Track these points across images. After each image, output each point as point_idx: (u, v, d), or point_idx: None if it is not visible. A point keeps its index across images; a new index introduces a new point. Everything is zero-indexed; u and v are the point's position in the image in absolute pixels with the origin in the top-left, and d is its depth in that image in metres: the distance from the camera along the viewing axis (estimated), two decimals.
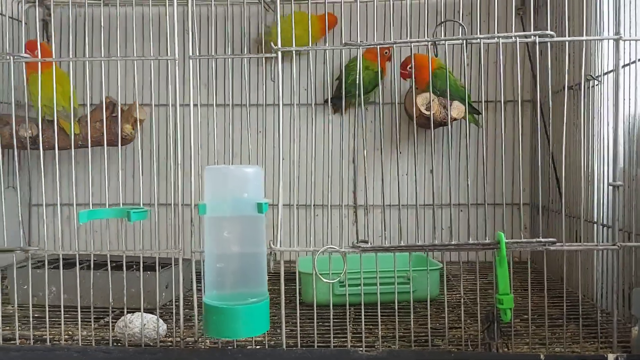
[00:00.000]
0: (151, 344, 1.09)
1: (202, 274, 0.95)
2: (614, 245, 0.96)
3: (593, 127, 1.27)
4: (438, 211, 1.79)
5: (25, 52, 1.61)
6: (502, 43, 0.97)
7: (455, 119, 1.57)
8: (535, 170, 1.72)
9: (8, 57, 1.13)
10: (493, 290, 1.10)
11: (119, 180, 1.06)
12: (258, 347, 1.05)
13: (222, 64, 1.61)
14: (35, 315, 1.14)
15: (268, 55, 0.99)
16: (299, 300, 1.19)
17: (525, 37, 0.97)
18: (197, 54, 1.03)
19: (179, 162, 1.02)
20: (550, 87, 1.01)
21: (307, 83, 1.83)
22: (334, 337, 1.04)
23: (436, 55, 0.99)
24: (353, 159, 1.90)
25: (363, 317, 1.01)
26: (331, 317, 1.02)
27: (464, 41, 0.97)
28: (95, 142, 1.65)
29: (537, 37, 0.96)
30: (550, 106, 1.08)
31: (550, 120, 1.16)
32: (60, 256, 1.03)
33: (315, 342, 1.03)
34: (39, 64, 1.20)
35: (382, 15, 1.68)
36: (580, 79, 1.06)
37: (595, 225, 1.30)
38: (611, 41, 1.15)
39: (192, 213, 1.01)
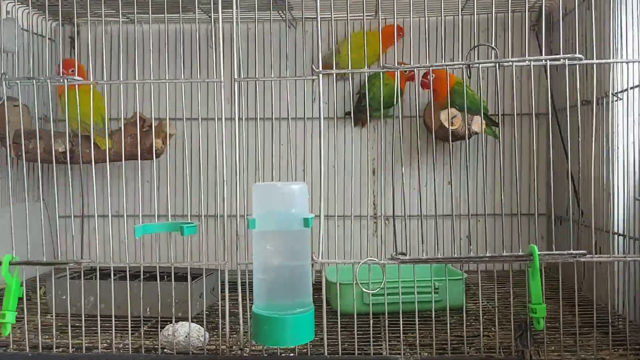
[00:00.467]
0: (194, 351, 1.14)
1: (239, 284, 1.00)
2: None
3: (613, 141, 1.33)
4: (456, 222, 1.85)
5: (62, 71, 1.69)
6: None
7: (476, 133, 1.63)
8: (549, 182, 1.77)
9: (43, 80, 1.17)
10: (511, 300, 1.15)
11: (152, 193, 1.11)
12: (300, 354, 1.09)
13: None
14: (76, 324, 1.18)
15: (311, 77, 1.05)
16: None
17: (556, 60, 1.02)
18: (243, 76, 1.08)
19: (225, 178, 1.07)
20: (568, 101, 1.07)
21: (328, 97, 1.88)
22: (367, 345, 1.09)
23: (469, 77, 1.05)
24: (374, 171, 1.98)
25: (401, 325, 1.06)
26: (371, 325, 1.07)
27: (497, 64, 1.03)
28: (127, 156, 1.71)
29: (566, 59, 1.01)
30: (576, 119, 1.13)
31: (569, 134, 1.21)
32: (112, 268, 1.08)
33: (356, 350, 1.08)
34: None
35: (413, 37, 1.73)
36: (598, 95, 1.12)
37: (616, 236, 1.35)
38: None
39: (238, 227, 1.06)
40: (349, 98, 1.83)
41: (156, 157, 1.77)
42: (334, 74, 1.07)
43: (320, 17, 1.04)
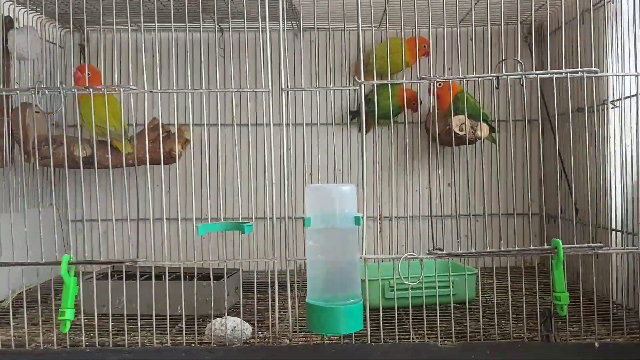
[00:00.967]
0: (238, 344, 1.21)
1: (287, 278, 1.08)
2: None
3: (608, 146, 1.46)
4: (456, 221, 1.96)
5: (76, 75, 1.73)
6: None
7: (480, 138, 1.75)
8: (544, 182, 1.91)
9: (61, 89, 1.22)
10: (523, 292, 1.27)
11: (187, 195, 1.18)
12: (345, 344, 1.18)
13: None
14: (112, 323, 1.24)
15: (353, 87, 1.14)
16: None
17: (575, 72, 1.14)
18: (289, 86, 1.16)
19: (274, 180, 1.15)
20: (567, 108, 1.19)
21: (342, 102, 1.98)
22: (403, 332, 1.19)
23: (497, 88, 1.16)
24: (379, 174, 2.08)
25: (438, 315, 1.16)
26: (410, 315, 1.17)
27: (522, 76, 1.14)
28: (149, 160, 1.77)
29: (584, 72, 1.14)
30: (571, 127, 1.25)
31: (571, 138, 1.32)
32: (167, 268, 1.15)
33: (397, 337, 1.18)
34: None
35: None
36: (597, 102, 1.25)
37: (614, 232, 1.48)
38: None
39: (287, 225, 1.14)
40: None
41: (172, 161, 1.83)
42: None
43: (332, 27, 1.13)
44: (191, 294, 1.20)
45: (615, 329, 1.20)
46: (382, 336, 1.17)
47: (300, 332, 1.20)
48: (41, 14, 1.84)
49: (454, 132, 1.68)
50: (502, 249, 1.16)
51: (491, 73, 1.15)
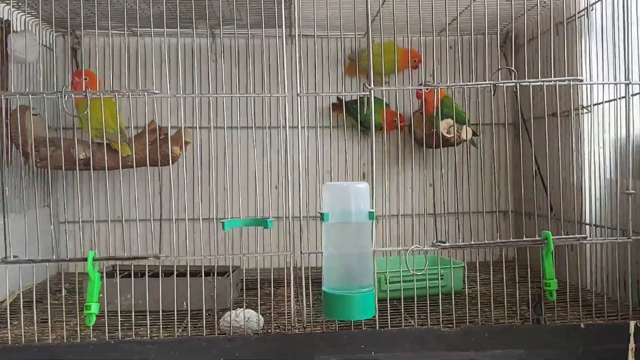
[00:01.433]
0: (252, 335, 1.28)
1: (302, 270, 1.16)
2: (628, 238, 1.27)
3: (582, 148, 1.60)
4: (439, 218, 2.09)
5: (74, 80, 1.77)
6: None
7: (464, 140, 1.87)
8: (518, 182, 2.05)
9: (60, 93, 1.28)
10: (504, 285, 1.39)
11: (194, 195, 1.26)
12: (355, 329, 1.27)
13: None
14: (123, 319, 1.30)
15: (362, 94, 1.23)
16: None
17: (561, 81, 1.27)
18: (305, 91, 1.25)
19: (290, 179, 1.23)
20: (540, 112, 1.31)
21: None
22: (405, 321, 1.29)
23: (493, 94, 1.27)
24: (364, 175, 2.19)
25: (441, 303, 1.27)
26: (415, 304, 1.27)
27: (516, 84, 1.26)
28: (144, 162, 1.82)
29: (570, 81, 1.26)
30: (551, 128, 1.38)
31: (547, 141, 1.45)
32: (187, 264, 1.22)
33: (403, 322, 1.27)
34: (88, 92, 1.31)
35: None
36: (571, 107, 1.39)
37: (588, 226, 1.62)
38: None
39: (301, 221, 1.23)
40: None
41: (173, 162, 1.89)
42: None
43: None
44: (200, 290, 1.29)
45: (597, 313, 1.33)
46: (389, 323, 1.26)
47: (314, 320, 1.29)
48: (37, 17, 1.87)
49: (442, 135, 1.80)
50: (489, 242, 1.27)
51: (488, 80, 1.26)
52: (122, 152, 1.75)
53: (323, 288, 1.18)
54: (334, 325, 1.26)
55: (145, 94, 1.19)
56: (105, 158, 1.77)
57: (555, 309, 1.37)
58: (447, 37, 1.43)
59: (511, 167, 2.07)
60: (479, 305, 1.30)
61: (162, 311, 1.25)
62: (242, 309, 1.30)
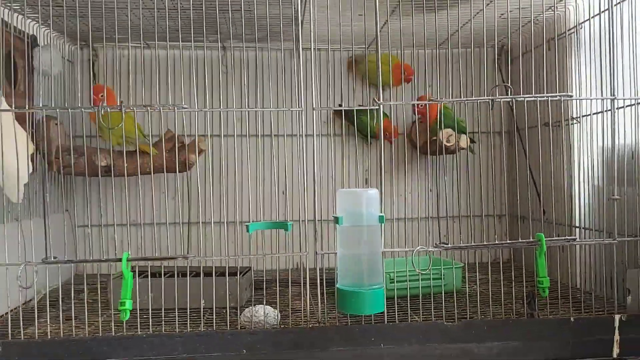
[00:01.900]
0: (271, 328, 1.39)
1: (317, 269, 1.28)
2: (614, 240, 1.40)
3: (572, 156, 1.72)
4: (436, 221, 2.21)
5: (93, 96, 1.89)
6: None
7: (463, 148, 1.99)
8: (513, 187, 2.17)
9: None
10: (502, 284, 1.51)
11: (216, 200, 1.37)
12: (366, 323, 1.38)
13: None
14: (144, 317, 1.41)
15: (372, 107, 1.35)
16: None
17: (554, 97, 1.39)
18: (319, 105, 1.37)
19: (306, 185, 1.35)
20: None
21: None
22: (417, 315, 1.41)
23: (491, 108, 1.39)
24: (366, 180, 2.31)
25: (443, 300, 1.38)
26: (420, 301, 1.38)
27: (512, 100, 1.38)
28: (162, 168, 1.93)
29: (561, 97, 1.39)
30: (545, 137, 1.50)
31: (540, 150, 1.57)
32: (214, 263, 1.33)
33: (409, 317, 1.39)
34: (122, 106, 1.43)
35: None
36: (562, 118, 1.51)
37: (577, 229, 1.75)
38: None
39: (315, 224, 1.34)
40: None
41: (189, 169, 2.01)
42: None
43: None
44: (216, 289, 1.41)
45: (586, 309, 1.45)
46: (396, 318, 1.38)
47: (327, 315, 1.40)
48: (60, 32, 1.98)
49: (443, 143, 1.92)
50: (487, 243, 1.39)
51: (487, 95, 1.38)
52: (153, 152, 1.86)
53: (337, 285, 1.30)
54: (346, 320, 1.37)
55: (175, 108, 1.30)
56: (125, 165, 1.88)
57: (547, 305, 1.49)
58: (449, 49, 1.55)
59: (506, 173, 2.20)
60: (479, 302, 1.43)
61: (181, 309, 1.36)
62: (261, 305, 1.41)
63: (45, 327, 1.43)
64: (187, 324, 1.36)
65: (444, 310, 1.39)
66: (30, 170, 1.37)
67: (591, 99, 1.47)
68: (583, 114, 1.73)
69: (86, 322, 1.37)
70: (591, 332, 1.37)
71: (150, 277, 1.52)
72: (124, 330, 1.34)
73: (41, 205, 1.87)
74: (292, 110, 1.37)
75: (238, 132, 1.42)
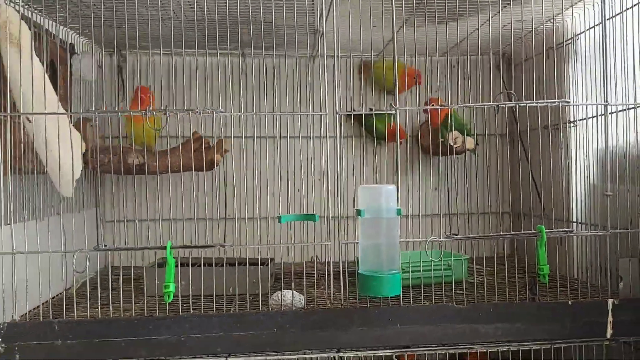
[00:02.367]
0: (300, 310, 1.54)
1: (339, 257, 1.44)
2: (607, 232, 1.55)
3: (569, 157, 1.88)
4: (444, 218, 2.37)
5: (140, 97, 2.03)
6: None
7: (469, 150, 2.14)
8: (514, 185, 2.33)
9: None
10: (506, 274, 1.67)
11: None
12: (384, 306, 1.53)
13: None
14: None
15: (390, 111, 1.50)
16: None
17: (553, 102, 1.54)
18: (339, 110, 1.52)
19: (330, 182, 1.50)
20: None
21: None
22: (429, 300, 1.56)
23: (497, 113, 1.54)
24: (376, 180, 2.46)
25: (454, 285, 1.53)
26: (432, 288, 1.54)
27: (515, 105, 1.54)
28: (188, 167, 2.08)
29: (560, 102, 1.54)
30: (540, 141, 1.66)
31: (540, 150, 1.71)
32: (247, 252, 1.48)
33: (422, 299, 1.54)
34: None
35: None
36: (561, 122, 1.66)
37: (575, 224, 1.90)
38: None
39: (339, 216, 1.50)
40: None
41: (214, 168, 2.16)
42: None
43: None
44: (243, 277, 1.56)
45: (582, 295, 1.60)
46: (411, 301, 1.53)
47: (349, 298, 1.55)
48: (90, 38, 2.13)
49: (451, 145, 2.07)
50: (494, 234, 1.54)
51: (492, 101, 1.53)
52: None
53: (359, 271, 1.45)
54: (366, 303, 1.52)
55: (214, 112, 1.45)
56: (157, 164, 2.04)
57: (547, 292, 1.64)
58: (459, 56, 1.70)
59: (508, 172, 2.35)
60: (485, 289, 1.58)
61: (216, 295, 1.51)
62: (288, 290, 1.56)
63: (92, 309, 1.57)
64: (223, 307, 1.50)
65: (453, 295, 1.54)
66: (82, 168, 1.52)
67: (585, 105, 1.62)
68: (579, 118, 1.89)
69: (133, 303, 1.52)
70: (587, 315, 1.52)
71: (181, 267, 1.68)
72: (167, 311, 1.48)
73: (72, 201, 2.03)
74: (321, 114, 1.51)
75: (269, 134, 1.56)
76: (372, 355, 1.52)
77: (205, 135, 2.04)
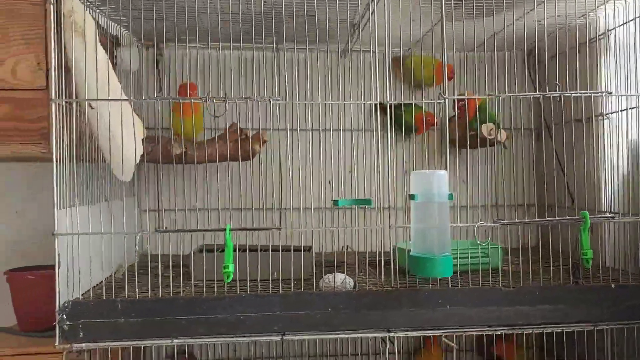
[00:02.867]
0: (352, 291, 1.59)
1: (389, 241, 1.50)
2: None
3: (602, 149, 1.93)
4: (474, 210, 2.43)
5: (191, 93, 2.08)
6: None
7: (500, 142, 2.20)
8: (544, 179, 2.38)
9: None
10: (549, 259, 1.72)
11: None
12: (423, 288, 1.58)
13: None
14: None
15: (439, 101, 1.55)
16: None
17: (596, 93, 1.60)
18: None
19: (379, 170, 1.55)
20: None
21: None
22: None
23: (541, 103, 1.60)
24: (405, 172, 2.51)
25: (500, 270, 1.59)
26: (480, 273, 1.59)
27: (542, 96, 1.60)
28: (224, 157, 2.13)
29: (602, 94, 1.60)
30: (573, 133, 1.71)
31: (573, 142, 1.77)
32: (299, 234, 1.53)
33: (459, 282, 1.60)
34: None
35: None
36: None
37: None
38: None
39: (390, 203, 1.55)
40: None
41: (252, 157, 2.20)
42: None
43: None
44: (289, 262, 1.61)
45: (623, 280, 1.66)
46: (459, 284, 1.59)
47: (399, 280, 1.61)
48: (128, 31, 2.18)
49: (485, 136, 2.12)
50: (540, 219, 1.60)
51: (537, 92, 1.59)
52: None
53: (411, 253, 1.50)
54: (416, 284, 1.58)
55: (270, 100, 1.50)
56: (195, 154, 2.08)
57: (587, 276, 1.69)
58: (495, 51, 1.76)
59: (536, 164, 2.41)
60: (531, 274, 1.63)
61: (266, 280, 1.57)
62: (339, 273, 1.61)
63: (140, 293, 1.60)
64: (279, 288, 1.56)
65: (500, 278, 1.59)
66: (142, 153, 1.57)
67: (620, 96, 1.68)
68: (611, 111, 1.95)
69: (192, 283, 1.57)
70: (630, 299, 1.57)
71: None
72: (225, 291, 1.53)
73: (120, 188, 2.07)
74: (370, 103, 1.57)
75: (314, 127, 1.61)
76: (421, 335, 1.57)
77: (247, 127, 2.08)
